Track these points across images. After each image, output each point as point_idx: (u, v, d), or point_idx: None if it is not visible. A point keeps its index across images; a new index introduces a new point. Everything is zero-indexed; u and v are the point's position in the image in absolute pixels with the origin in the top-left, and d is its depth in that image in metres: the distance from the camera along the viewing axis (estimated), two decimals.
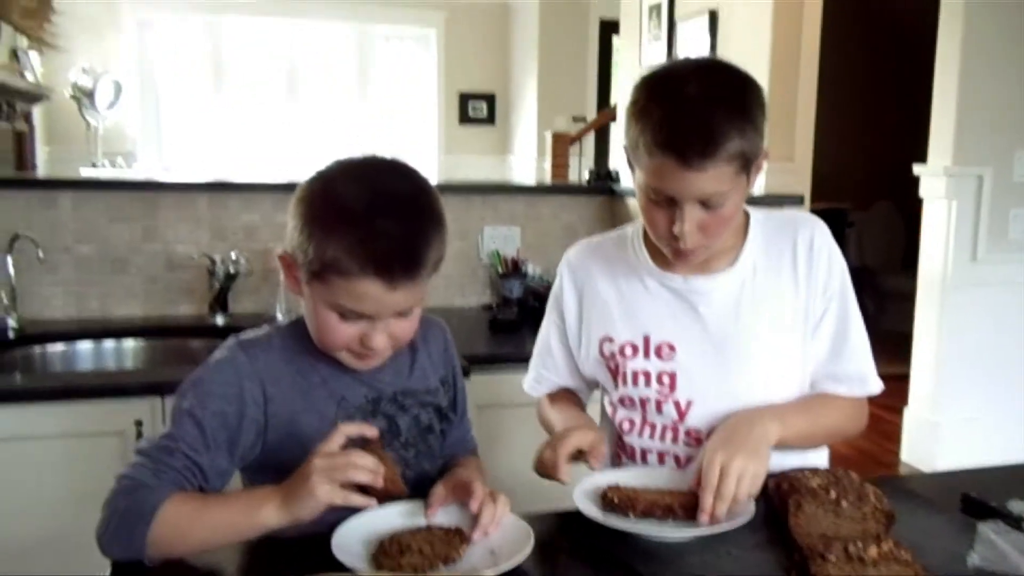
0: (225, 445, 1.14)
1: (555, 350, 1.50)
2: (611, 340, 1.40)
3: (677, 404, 1.36)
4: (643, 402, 1.38)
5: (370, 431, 1.10)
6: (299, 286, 1.17)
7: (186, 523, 1.06)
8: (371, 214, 1.08)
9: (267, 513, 1.05)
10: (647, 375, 1.37)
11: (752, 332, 1.34)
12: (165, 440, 1.12)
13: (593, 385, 1.51)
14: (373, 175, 1.15)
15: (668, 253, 1.32)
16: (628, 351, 1.38)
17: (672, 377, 1.36)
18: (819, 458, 1.46)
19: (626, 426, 1.41)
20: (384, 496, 1.08)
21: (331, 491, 1.02)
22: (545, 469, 1.26)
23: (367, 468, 1.04)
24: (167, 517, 1.04)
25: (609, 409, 1.47)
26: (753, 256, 1.36)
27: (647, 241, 1.39)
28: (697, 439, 1.34)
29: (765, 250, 1.37)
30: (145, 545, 1.04)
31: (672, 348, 1.36)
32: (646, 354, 1.37)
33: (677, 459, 1.38)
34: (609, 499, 1.19)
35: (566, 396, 1.52)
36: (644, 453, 1.40)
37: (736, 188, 1.23)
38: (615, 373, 1.40)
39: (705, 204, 1.22)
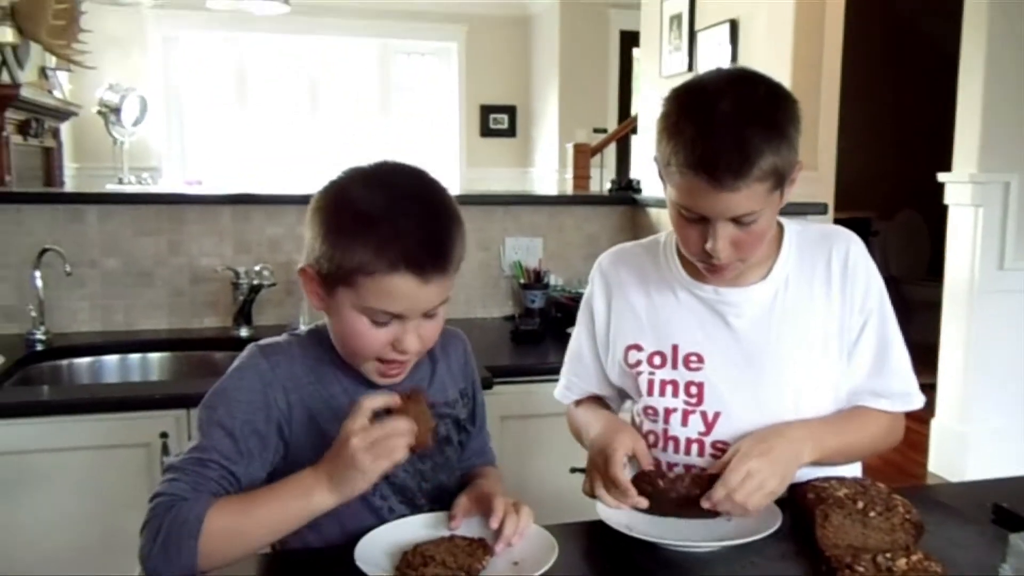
0: (258, 452, 1.13)
1: (586, 357, 1.49)
2: (639, 348, 1.39)
3: (704, 415, 1.34)
4: (668, 413, 1.36)
5: (393, 400, 1.08)
6: (321, 300, 1.16)
7: (236, 527, 1.05)
8: (393, 213, 1.09)
9: (319, 498, 1.06)
10: (675, 385, 1.36)
11: (783, 345, 1.33)
12: (196, 453, 1.10)
13: (624, 395, 1.50)
14: (386, 178, 1.15)
15: (702, 269, 1.31)
16: (656, 360, 1.38)
17: (700, 388, 1.35)
18: (852, 468, 1.43)
19: (651, 438, 1.39)
20: (415, 449, 1.08)
21: (379, 465, 1.04)
22: (606, 491, 1.23)
23: (405, 435, 1.05)
24: (214, 525, 1.03)
25: (637, 420, 1.45)
26: (787, 269, 1.35)
27: (679, 251, 1.37)
28: (723, 452, 1.31)
29: (799, 263, 1.35)
30: (196, 558, 1.02)
31: (700, 359, 1.35)
32: (674, 364, 1.36)
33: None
34: (642, 489, 1.20)
35: (596, 402, 1.51)
36: (670, 467, 1.37)
37: (769, 204, 1.22)
38: (640, 382, 1.39)
39: (737, 221, 1.21)
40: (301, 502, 1.06)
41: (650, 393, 1.38)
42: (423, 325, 1.15)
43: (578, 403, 1.52)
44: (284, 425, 1.16)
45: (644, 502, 1.20)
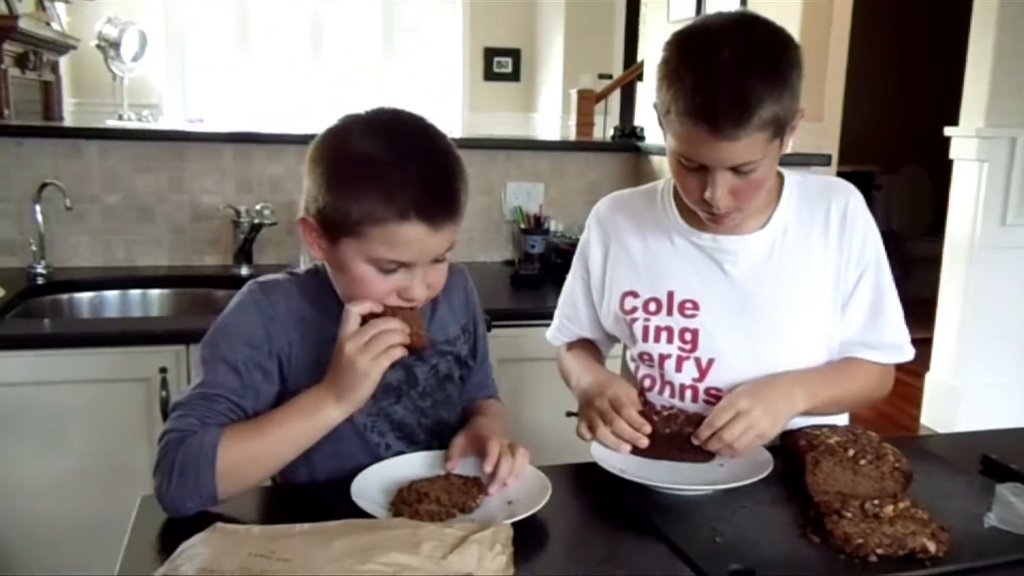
0: (263, 385, 1.14)
1: (579, 302, 1.50)
2: (635, 295, 1.40)
3: (698, 361, 1.36)
4: (663, 359, 1.38)
5: (376, 307, 1.10)
6: (323, 251, 1.15)
7: (250, 448, 1.07)
8: (399, 161, 1.08)
9: (329, 411, 1.09)
10: (669, 331, 1.37)
11: (779, 293, 1.33)
12: (201, 389, 1.10)
13: (614, 339, 1.52)
14: (388, 126, 1.13)
15: (703, 217, 1.30)
16: (652, 307, 1.38)
17: (695, 334, 1.36)
18: (839, 418, 1.45)
19: (647, 383, 1.41)
20: (411, 350, 1.11)
21: (379, 363, 1.06)
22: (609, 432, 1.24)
23: (397, 332, 1.08)
24: (229, 451, 1.05)
25: (631, 365, 1.47)
26: (785, 218, 1.35)
27: (677, 198, 1.38)
28: (717, 399, 1.33)
29: (798, 213, 1.35)
30: (215, 485, 1.04)
31: (696, 306, 1.36)
32: (669, 311, 1.37)
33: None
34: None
35: (586, 346, 1.52)
36: (665, 409, 1.40)
37: (769, 153, 1.20)
38: (635, 328, 1.40)
39: (737, 171, 1.20)
40: (311, 418, 1.09)
41: (645, 339, 1.39)
42: (430, 271, 1.15)
43: (570, 346, 1.53)
44: (284, 361, 1.17)
45: (645, 440, 1.21)
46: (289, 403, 1.12)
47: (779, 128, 1.18)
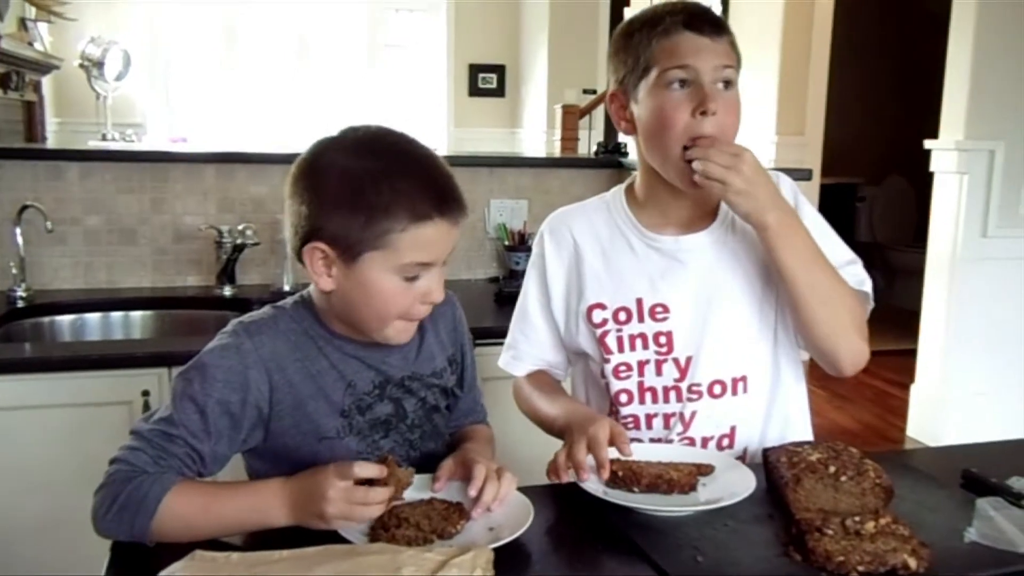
0: (227, 432, 1.13)
1: (537, 323, 1.49)
2: (602, 307, 1.40)
3: (676, 362, 1.38)
4: (641, 366, 1.39)
5: (381, 472, 1.08)
6: (333, 278, 1.14)
7: (191, 516, 1.06)
8: (404, 168, 1.12)
9: (275, 516, 1.07)
10: (643, 338, 1.38)
11: (737, 281, 1.38)
12: (164, 425, 1.10)
13: (573, 359, 1.51)
14: (375, 139, 1.17)
15: (682, 178, 1.29)
16: (622, 316, 1.39)
17: (669, 336, 1.38)
18: (802, 424, 1.47)
19: (623, 398, 1.41)
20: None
21: (341, 522, 1.05)
22: (569, 467, 1.22)
23: (380, 505, 1.06)
24: (171, 508, 1.04)
25: (603, 383, 1.44)
26: (729, 212, 1.37)
27: (631, 203, 1.42)
28: (699, 393, 1.37)
29: None
30: (147, 533, 1.04)
31: (666, 308, 1.38)
32: (640, 318, 1.38)
33: (682, 417, 1.38)
34: (613, 472, 1.19)
35: (549, 382, 1.50)
36: (650, 419, 1.40)
37: (736, 77, 1.31)
38: (608, 341, 1.40)
39: (723, 83, 1.28)
40: (258, 514, 1.08)
41: (620, 350, 1.39)
42: (441, 271, 1.18)
43: (532, 382, 1.49)
44: (264, 406, 1.16)
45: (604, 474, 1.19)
46: (246, 486, 1.12)
47: (738, 62, 1.31)
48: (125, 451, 1.09)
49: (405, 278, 1.13)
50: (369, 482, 1.07)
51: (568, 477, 1.21)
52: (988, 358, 3.77)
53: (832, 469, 1.16)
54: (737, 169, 1.23)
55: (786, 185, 1.40)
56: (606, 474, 1.19)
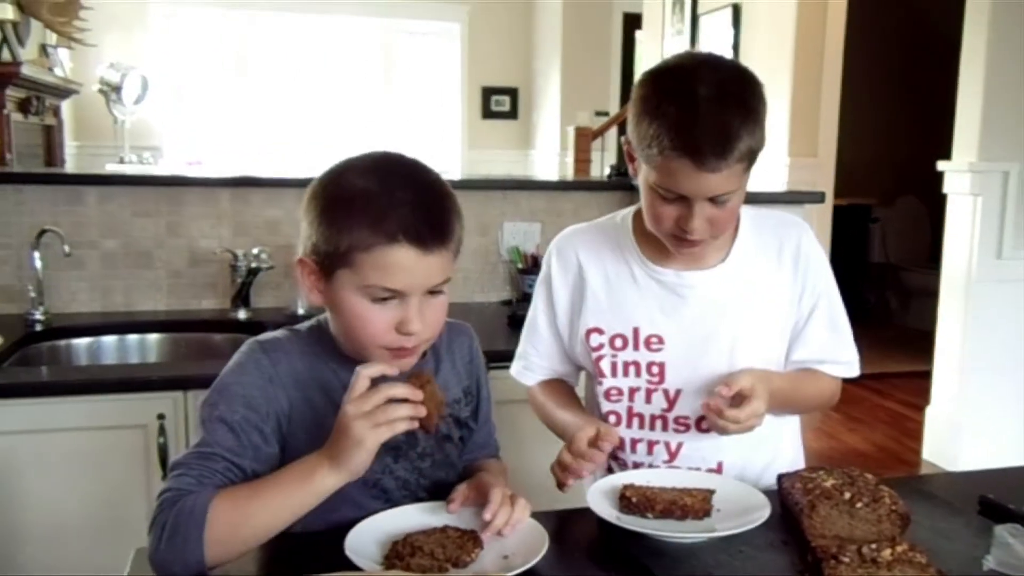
0: (262, 446, 1.13)
1: (545, 336, 1.52)
2: (600, 332, 1.43)
3: (666, 393, 1.40)
4: (632, 392, 1.42)
5: (390, 370, 1.06)
6: (321, 292, 1.16)
7: (241, 513, 1.03)
8: (387, 189, 1.10)
9: (322, 478, 1.04)
10: (637, 366, 1.41)
11: (739, 325, 1.39)
12: (200, 448, 1.10)
13: (581, 369, 1.54)
14: (378, 161, 1.16)
15: (671, 246, 1.34)
16: (618, 343, 1.42)
17: (661, 367, 1.40)
18: (793, 443, 1.53)
19: (612, 419, 1.44)
20: (420, 426, 1.06)
21: (376, 433, 1.02)
22: (566, 469, 1.29)
23: (407, 401, 1.03)
24: (220, 513, 1.02)
25: (595, 401, 1.49)
26: (743, 253, 1.40)
27: (636, 233, 1.43)
28: (686, 425, 1.40)
29: (754, 248, 1.42)
30: (203, 550, 1.01)
31: (661, 340, 1.40)
32: (635, 346, 1.41)
33: (668, 446, 1.42)
34: (627, 498, 1.19)
35: (564, 390, 1.54)
36: (634, 443, 1.44)
37: (743, 183, 1.29)
38: (602, 365, 1.42)
39: (714, 201, 1.26)
40: (304, 484, 1.05)
41: (613, 375, 1.42)
42: (427, 306, 1.14)
43: (548, 392, 1.52)
44: (283, 422, 1.16)
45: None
46: (286, 467, 1.09)
47: (752, 159, 1.26)
48: (169, 481, 1.08)
49: (372, 299, 1.11)
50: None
51: (570, 481, 1.30)
52: (1004, 381, 3.73)
53: (847, 495, 1.16)
54: (749, 427, 1.27)
55: (807, 239, 1.43)
56: (589, 469, 1.28)
